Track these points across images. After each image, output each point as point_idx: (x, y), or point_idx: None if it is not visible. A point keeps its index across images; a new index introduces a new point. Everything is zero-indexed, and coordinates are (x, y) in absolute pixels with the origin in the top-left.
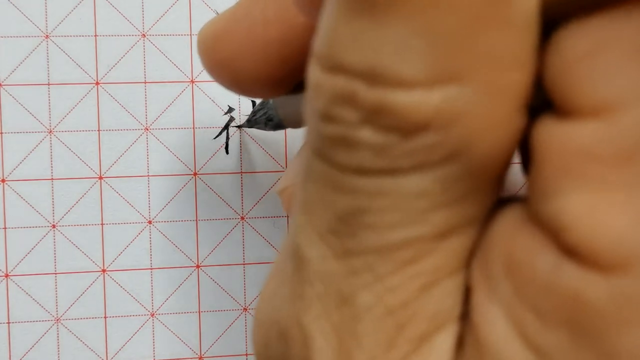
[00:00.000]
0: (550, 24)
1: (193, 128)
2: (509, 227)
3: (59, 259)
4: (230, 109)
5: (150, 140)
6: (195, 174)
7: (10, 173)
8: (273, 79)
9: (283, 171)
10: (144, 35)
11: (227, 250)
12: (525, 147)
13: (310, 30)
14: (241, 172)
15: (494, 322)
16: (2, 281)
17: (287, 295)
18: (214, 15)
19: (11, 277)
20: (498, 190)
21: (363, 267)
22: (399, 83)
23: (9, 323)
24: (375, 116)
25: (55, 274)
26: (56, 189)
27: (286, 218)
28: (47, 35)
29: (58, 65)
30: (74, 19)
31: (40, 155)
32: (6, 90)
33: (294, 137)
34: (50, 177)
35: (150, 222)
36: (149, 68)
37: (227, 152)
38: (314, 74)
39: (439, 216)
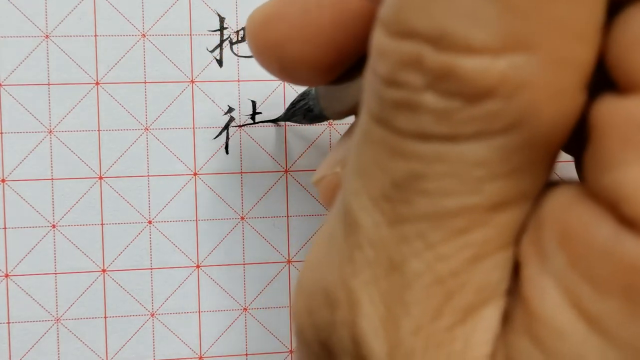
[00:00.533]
0: (614, 5)
1: (193, 128)
2: (563, 202)
3: (59, 259)
4: (230, 109)
5: (150, 140)
6: (195, 174)
7: (10, 173)
8: (323, 64)
9: (283, 171)
10: (144, 35)
11: (227, 250)
12: (576, 130)
13: (364, 15)
14: (241, 172)
15: (546, 294)
16: (2, 281)
17: (336, 260)
18: (214, 15)
19: (11, 277)
20: (551, 167)
21: (415, 234)
22: (467, 48)
23: (9, 323)
24: (441, 81)
25: (55, 274)
26: (56, 189)
27: (286, 218)
28: (47, 35)
29: (58, 65)
30: (74, 19)
31: (40, 155)
32: (6, 90)
33: (294, 138)
34: (50, 177)
35: (150, 222)
36: (149, 68)
37: (227, 152)
38: (380, 39)
39: (494, 187)
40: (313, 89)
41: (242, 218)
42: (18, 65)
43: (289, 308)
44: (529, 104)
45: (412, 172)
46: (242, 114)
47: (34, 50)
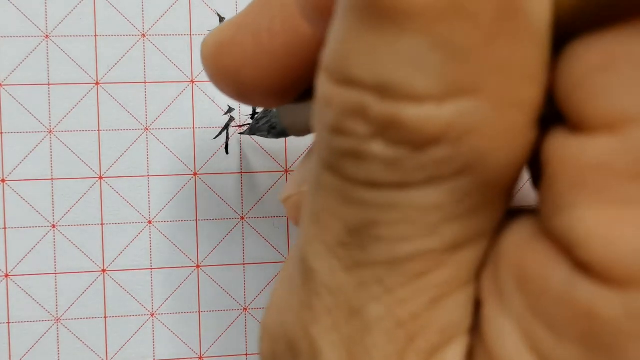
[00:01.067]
0: (561, 38)
1: (193, 128)
2: (520, 240)
3: (59, 259)
4: (230, 109)
5: (150, 140)
6: (195, 174)
7: (10, 173)
8: (277, 88)
9: (283, 171)
10: (144, 35)
11: (227, 250)
12: (534, 160)
13: (316, 41)
14: (241, 172)
15: (506, 336)
16: (2, 281)
17: (296, 306)
18: (214, 15)
19: (11, 277)
20: (507, 202)
21: (373, 279)
22: (411, 97)
23: (9, 323)
24: (387, 130)
25: (55, 274)
26: (56, 189)
27: (286, 218)
28: (47, 35)
29: (58, 65)
30: (74, 19)
31: (40, 155)
32: (6, 90)
33: (294, 138)
34: (50, 177)
35: (150, 222)
36: (149, 68)
37: (227, 152)
38: (324, 86)
39: (449, 229)
40: (274, 108)
41: (242, 218)
42: (18, 65)
43: None
44: (478, 147)
45: (365, 219)
46: (242, 114)
47: (34, 50)
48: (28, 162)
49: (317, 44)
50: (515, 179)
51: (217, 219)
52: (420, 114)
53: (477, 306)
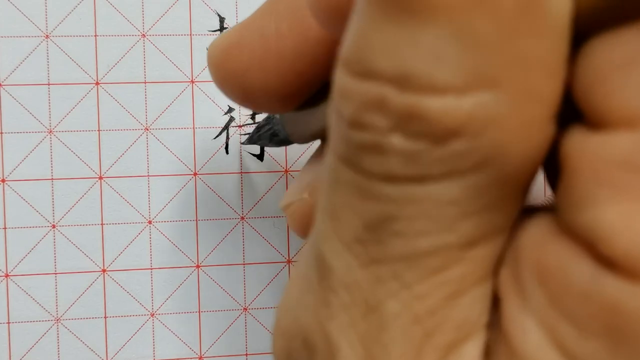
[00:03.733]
0: (580, 35)
1: (193, 128)
2: (539, 236)
3: (59, 259)
4: (230, 109)
5: (150, 140)
6: (195, 174)
7: (10, 173)
8: (284, 93)
9: (283, 171)
10: (144, 35)
11: (227, 250)
12: (550, 158)
13: (325, 44)
14: (241, 172)
15: (528, 332)
16: (2, 281)
17: (311, 304)
18: (214, 15)
19: (11, 277)
20: (524, 199)
21: (390, 275)
22: (432, 88)
23: (9, 323)
24: (406, 122)
25: (55, 274)
26: (56, 189)
27: (286, 218)
28: (47, 35)
29: (58, 65)
30: (74, 19)
31: (40, 155)
32: (6, 90)
33: None
34: (50, 177)
35: (150, 222)
36: (149, 68)
37: (227, 152)
38: (342, 80)
39: (467, 224)
40: (277, 115)
41: (242, 218)
42: (18, 65)
43: None
44: (497, 141)
45: (383, 214)
46: (242, 114)
47: (34, 50)
48: (28, 162)
49: (326, 47)
50: (532, 175)
51: (217, 219)
52: (440, 106)
53: (495, 303)
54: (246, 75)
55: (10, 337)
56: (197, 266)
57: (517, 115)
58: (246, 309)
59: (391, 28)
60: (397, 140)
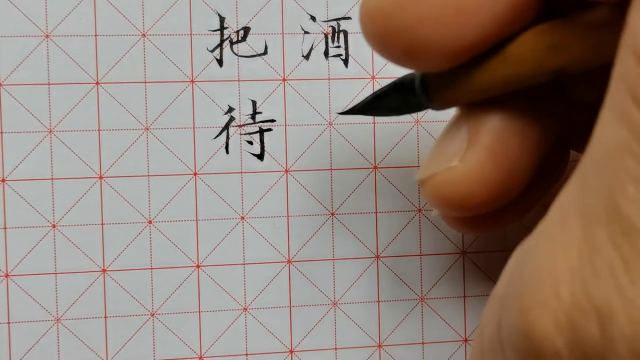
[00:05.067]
0: None
1: (193, 128)
2: None
3: (59, 259)
4: (230, 109)
5: (150, 140)
6: (195, 174)
7: (10, 173)
8: (459, 48)
9: (283, 171)
10: (144, 35)
11: (227, 250)
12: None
13: None
14: (241, 172)
15: None
16: (2, 281)
17: (604, 271)
18: (214, 15)
19: (11, 277)
20: None
21: None
22: None
23: (9, 323)
24: None
25: (55, 274)
26: (56, 189)
27: (286, 218)
28: (47, 35)
29: (58, 65)
30: (74, 19)
31: (40, 155)
32: (6, 90)
33: (294, 137)
34: (50, 177)
35: (150, 222)
36: (149, 68)
37: (227, 152)
38: (635, 70)
39: None
40: (415, 79)
41: (242, 218)
42: (18, 65)
43: (289, 308)
44: None
45: None
46: (242, 114)
47: (34, 50)
48: (28, 162)
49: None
50: None
51: (217, 218)
52: None
53: None
54: (419, 28)
55: (10, 337)
56: (197, 266)
57: None
58: (246, 309)
59: None
60: None
